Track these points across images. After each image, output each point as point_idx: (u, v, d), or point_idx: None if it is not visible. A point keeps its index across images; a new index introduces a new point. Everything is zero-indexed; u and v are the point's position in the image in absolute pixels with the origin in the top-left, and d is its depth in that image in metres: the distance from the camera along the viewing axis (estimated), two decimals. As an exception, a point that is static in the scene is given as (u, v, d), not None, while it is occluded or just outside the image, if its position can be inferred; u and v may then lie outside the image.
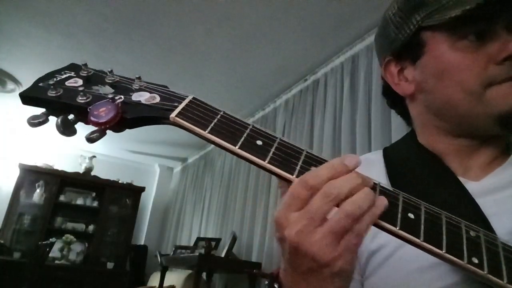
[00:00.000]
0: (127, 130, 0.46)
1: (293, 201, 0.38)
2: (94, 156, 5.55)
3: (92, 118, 0.42)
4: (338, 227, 0.37)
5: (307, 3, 2.34)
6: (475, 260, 0.38)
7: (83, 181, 5.39)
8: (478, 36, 0.55)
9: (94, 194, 5.49)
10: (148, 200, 6.03)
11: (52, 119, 0.44)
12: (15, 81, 3.84)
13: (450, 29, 0.56)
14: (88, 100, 0.44)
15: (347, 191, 0.38)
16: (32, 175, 5.11)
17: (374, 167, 0.65)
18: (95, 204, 5.43)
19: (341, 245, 0.37)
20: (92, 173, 5.49)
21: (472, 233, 0.41)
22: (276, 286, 0.41)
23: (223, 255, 3.28)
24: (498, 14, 0.54)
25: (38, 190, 5.09)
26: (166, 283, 3.82)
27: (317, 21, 2.50)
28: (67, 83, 0.47)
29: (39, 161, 5.21)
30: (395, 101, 0.71)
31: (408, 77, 0.64)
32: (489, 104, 0.54)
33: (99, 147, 5.49)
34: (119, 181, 5.57)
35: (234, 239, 3.34)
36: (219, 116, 0.44)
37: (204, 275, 3.23)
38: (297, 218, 0.38)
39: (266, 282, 2.21)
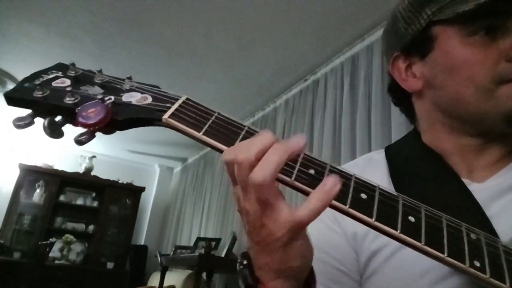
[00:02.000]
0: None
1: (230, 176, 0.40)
2: (94, 156, 5.55)
3: (80, 120, 0.40)
4: (257, 195, 0.37)
5: (307, 3, 2.33)
6: (477, 264, 0.38)
7: (83, 181, 5.39)
8: (489, 32, 0.54)
9: (94, 194, 5.49)
10: (148, 200, 6.03)
11: (39, 121, 0.43)
12: (15, 81, 3.84)
13: (461, 24, 0.55)
14: (76, 101, 0.43)
15: (256, 150, 0.37)
16: (32, 175, 5.11)
17: (377, 167, 0.65)
18: (95, 204, 5.43)
19: (283, 216, 0.37)
20: (92, 173, 5.49)
21: (473, 236, 0.40)
22: (244, 262, 0.40)
23: (223, 255, 3.27)
24: (511, 10, 0.53)
25: (38, 190, 5.09)
26: (166, 283, 3.81)
27: (317, 21, 2.50)
28: (54, 84, 0.45)
29: (39, 161, 5.21)
30: (400, 98, 0.70)
31: (416, 73, 0.63)
32: (499, 101, 0.53)
33: (99, 147, 5.48)
34: (119, 181, 5.57)
35: (234, 239, 3.33)
36: (213, 118, 0.43)
37: (204, 275, 3.22)
38: (237, 189, 0.39)
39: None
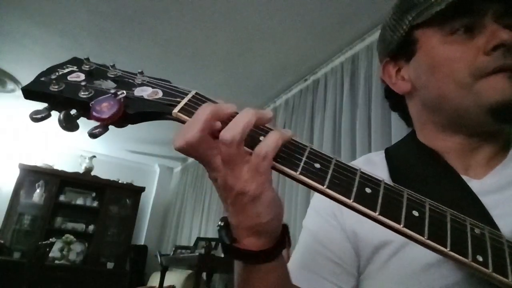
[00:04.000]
0: (127, 130, 0.45)
1: None
2: (94, 156, 5.54)
3: (94, 114, 0.41)
4: (225, 154, 0.40)
5: (307, 3, 2.33)
6: (480, 258, 0.38)
7: (83, 181, 5.38)
8: (467, 30, 0.56)
9: (94, 194, 5.49)
10: (148, 200, 6.03)
11: (54, 114, 0.44)
12: (15, 81, 3.83)
13: (439, 25, 0.58)
14: (90, 95, 0.44)
15: (224, 114, 0.42)
16: (32, 175, 5.10)
17: (377, 168, 0.66)
18: (95, 204, 5.42)
19: (245, 170, 0.40)
20: (92, 173, 5.48)
21: (477, 231, 0.41)
22: (221, 223, 0.44)
23: (223, 255, 3.26)
24: (486, 7, 0.55)
25: (38, 190, 5.08)
26: (166, 283, 3.81)
27: (317, 21, 2.50)
28: (69, 78, 0.46)
29: (39, 161, 5.20)
30: (396, 103, 0.72)
31: (404, 76, 0.66)
32: (480, 95, 0.54)
33: (99, 147, 5.48)
34: (119, 181, 5.56)
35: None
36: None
37: (204, 275, 3.22)
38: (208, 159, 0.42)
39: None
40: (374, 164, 0.68)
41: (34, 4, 2.62)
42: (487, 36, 0.54)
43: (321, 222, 0.65)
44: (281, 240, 0.45)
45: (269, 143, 0.40)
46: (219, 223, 0.46)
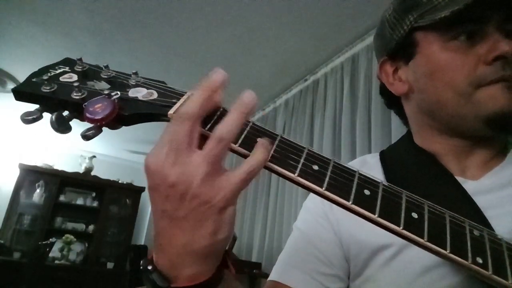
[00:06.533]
0: (127, 130, 0.45)
1: (167, 141, 0.36)
2: (94, 156, 5.55)
3: (87, 115, 0.40)
4: (211, 154, 0.35)
5: (307, 3, 2.33)
6: (480, 260, 0.38)
7: (83, 181, 5.39)
8: (468, 37, 0.55)
9: (94, 194, 5.49)
10: (148, 200, 6.01)
11: (46, 116, 0.43)
12: (15, 81, 3.83)
13: (442, 30, 0.57)
14: (83, 96, 0.43)
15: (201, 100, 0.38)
16: (32, 175, 5.11)
17: (372, 170, 0.65)
18: (95, 204, 5.43)
19: (222, 179, 0.36)
20: (92, 173, 5.49)
21: (476, 233, 0.40)
22: (149, 267, 0.41)
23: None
24: (489, 15, 0.54)
25: (38, 190, 5.09)
26: (166, 283, 3.81)
27: (317, 21, 2.50)
28: (61, 78, 0.45)
29: (39, 161, 5.21)
30: (391, 101, 0.72)
31: (401, 77, 0.65)
32: (478, 105, 0.54)
33: (99, 147, 5.48)
34: (119, 181, 5.56)
35: (234, 239, 3.33)
36: (218, 113, 0.43)
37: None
38: (167, 153, 0.36)
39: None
40: (369, 166, 0.68)
41: (34, 4, 2.62)
42: (488, 45, 0.54)
43: (312, 221, 0.66)
44: (221, 264, 0.41)
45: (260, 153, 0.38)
46: (147, 266, 0.39)
